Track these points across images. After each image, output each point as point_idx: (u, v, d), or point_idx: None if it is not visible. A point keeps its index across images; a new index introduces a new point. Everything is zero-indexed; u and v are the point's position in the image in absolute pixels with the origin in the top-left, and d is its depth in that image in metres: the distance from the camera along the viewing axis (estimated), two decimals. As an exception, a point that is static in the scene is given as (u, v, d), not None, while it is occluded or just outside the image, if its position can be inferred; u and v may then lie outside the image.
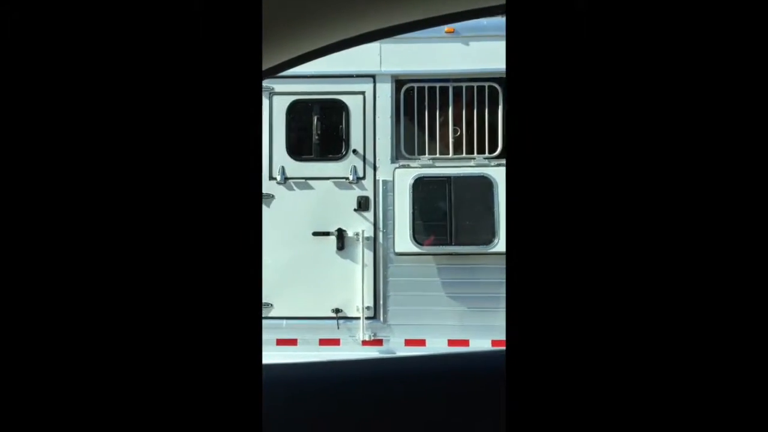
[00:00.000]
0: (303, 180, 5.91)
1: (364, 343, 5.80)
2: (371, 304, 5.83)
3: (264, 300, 5.79)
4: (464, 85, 5.89)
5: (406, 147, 5.94)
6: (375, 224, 5.87)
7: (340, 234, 5.84)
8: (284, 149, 5.94)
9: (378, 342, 5.83)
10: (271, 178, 5.89)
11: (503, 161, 5.63)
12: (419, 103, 5.93)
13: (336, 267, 5.86)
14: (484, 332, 5.67)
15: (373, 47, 5.78)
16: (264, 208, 5.88)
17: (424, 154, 5.91)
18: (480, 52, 5.79)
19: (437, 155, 5.90)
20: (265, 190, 5.87)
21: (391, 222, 5.81)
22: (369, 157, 5.90)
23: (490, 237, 5.69)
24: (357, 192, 5.89)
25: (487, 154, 5.84)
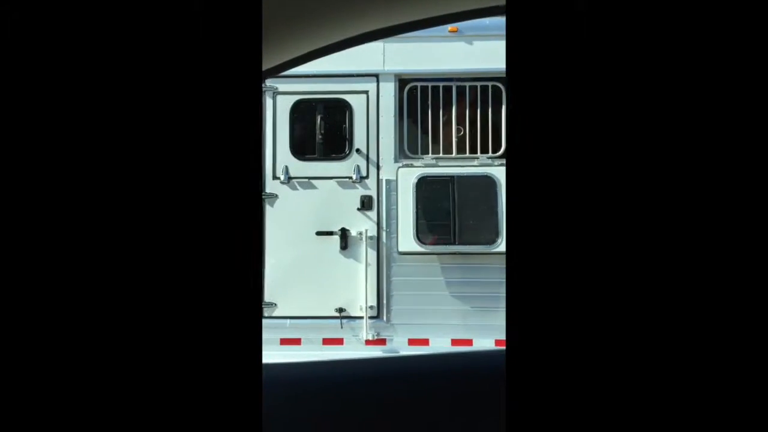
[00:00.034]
0: (306, 179, 5.91)
1: (368, 342, 5.79)
2: (374, 304, 5.83)
3: (268, 299, 5.80)
4: (467, 84, 5.88)
5: (409, 146, 5.94)
6: (378, 224, 5.86)
7: (344, 233, 5.84)
8: (288, 149, 5.94)
9: (381, 341, 5.83)
10: (275, 177, 5.89)
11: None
12: (422, 103, 5.93)
13: (339, 266, 5.86)
14: (488, 332, 5.66)
15: (376, 46, 5.78)
16: (267, 207, 5.88)
17: (428, 153, 5.91)
18: (483, 51, 5.78)
19: (440, 155, 5.90)
20: (268, 189, 5.88)
21: (395, 221, 5.80)
22: (372, 156, 5.90)
23: (493, 236, 5.68)
24: (360, 191, 5.89)
25: (490, 154, 5.84)
